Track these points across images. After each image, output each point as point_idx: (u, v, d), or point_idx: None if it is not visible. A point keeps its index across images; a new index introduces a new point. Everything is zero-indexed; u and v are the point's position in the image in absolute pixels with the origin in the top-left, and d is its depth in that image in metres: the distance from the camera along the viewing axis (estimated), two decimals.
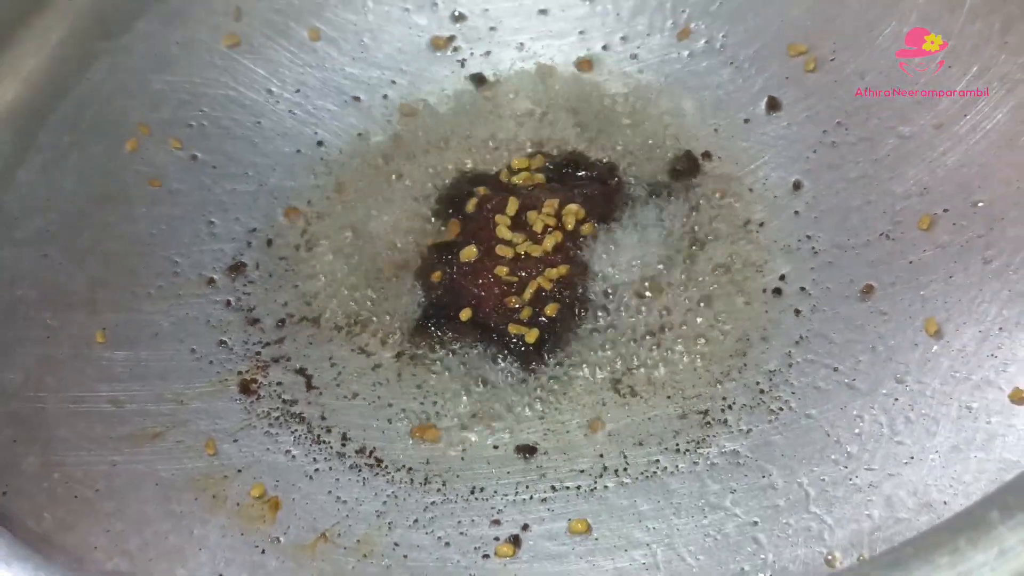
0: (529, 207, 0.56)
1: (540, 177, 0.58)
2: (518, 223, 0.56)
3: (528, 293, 0.54)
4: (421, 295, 0.56)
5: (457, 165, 0.60)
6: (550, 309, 0.54)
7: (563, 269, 0.55)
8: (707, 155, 0.59)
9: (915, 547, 0.31)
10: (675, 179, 0.58)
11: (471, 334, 0.54)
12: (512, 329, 0.53)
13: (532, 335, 0.53)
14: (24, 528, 0.45)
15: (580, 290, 0.55)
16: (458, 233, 0.57)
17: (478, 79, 0.63)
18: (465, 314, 0.54)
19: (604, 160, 0.59)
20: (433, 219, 0.58)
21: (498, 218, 0.56)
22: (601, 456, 0.50)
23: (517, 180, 0.58)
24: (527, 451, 0.51)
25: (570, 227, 0.56)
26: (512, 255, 0.55)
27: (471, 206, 0.57)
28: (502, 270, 0.54)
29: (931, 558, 0.31)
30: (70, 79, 0.60)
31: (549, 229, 0.56)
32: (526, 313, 0.54)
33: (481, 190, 0.58)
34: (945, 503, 0.45)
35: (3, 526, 0.40)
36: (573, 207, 0.56)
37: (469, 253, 0.55)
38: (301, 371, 0.54)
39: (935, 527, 0.33)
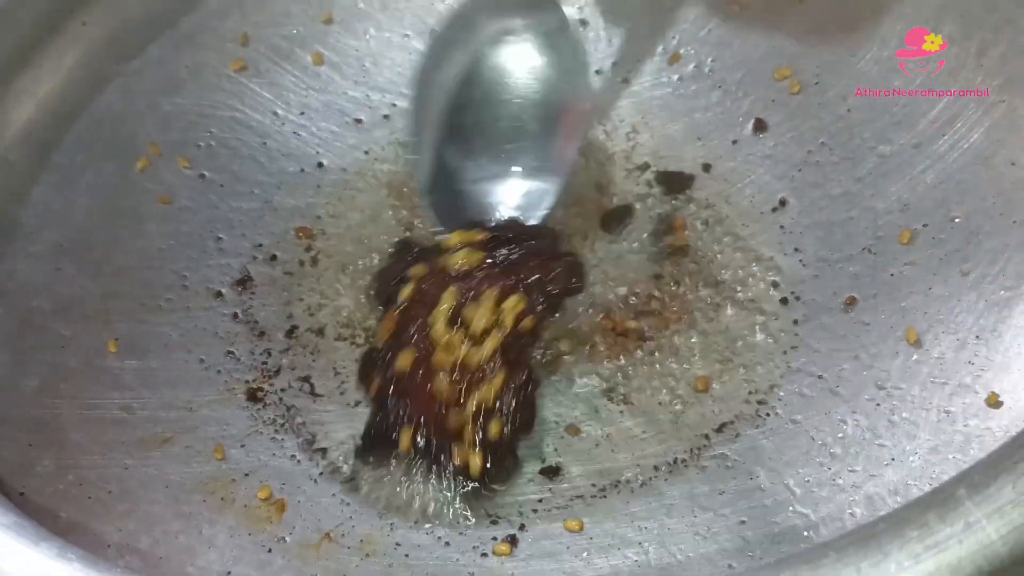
0: (467, 300, 0.51)
1: (479, 256, 0.53)
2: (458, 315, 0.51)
3: (469, 411, 0.50)
4: None
5: None
6: (494, 429, 0.50)
7: (498, 381, 0.50)
8: (695, 175, 0.61)
9: (887, 523, 0.33)
10: (666, 197, 0.61)
11: (414, 459, 0.51)
12: (457, 458, 0.50)
13: (475, 465, 0.49)
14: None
15: (526, 353, 0.51)
16: (391, 333, 0.52)
17: None
18: (405, 440, 0.50)
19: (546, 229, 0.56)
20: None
21: (433, 316, 0.51)
22: (595, 461, 0.52)
23: (457, 261, 0.52)
24: (551, 473, 0.52)
25: (509, 326, 0.51)
26: (450, 365, 0.50)
27: (406, 293, 0.52)
28: (441, 384, 0.50)
29: (902, 532, 0.33)
30: (83, 101, 0.61)
31: (488, 330, 0.51)
32: (469, 434, 0.50)
33: (418, 271, 0.53)
34: None
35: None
36: (511, 301, 0.51)
37: (405, 361, 0.51)
38: (306, 379, 0.56)
39: (906, 504, 0.35)
